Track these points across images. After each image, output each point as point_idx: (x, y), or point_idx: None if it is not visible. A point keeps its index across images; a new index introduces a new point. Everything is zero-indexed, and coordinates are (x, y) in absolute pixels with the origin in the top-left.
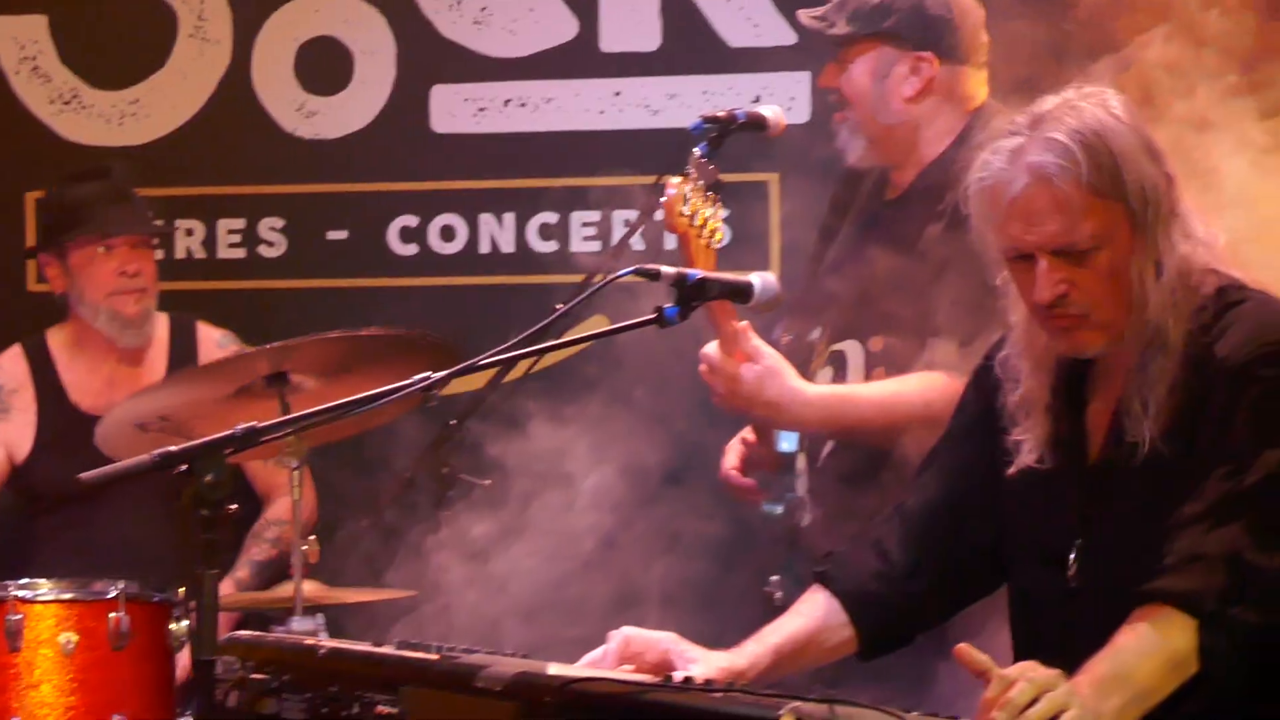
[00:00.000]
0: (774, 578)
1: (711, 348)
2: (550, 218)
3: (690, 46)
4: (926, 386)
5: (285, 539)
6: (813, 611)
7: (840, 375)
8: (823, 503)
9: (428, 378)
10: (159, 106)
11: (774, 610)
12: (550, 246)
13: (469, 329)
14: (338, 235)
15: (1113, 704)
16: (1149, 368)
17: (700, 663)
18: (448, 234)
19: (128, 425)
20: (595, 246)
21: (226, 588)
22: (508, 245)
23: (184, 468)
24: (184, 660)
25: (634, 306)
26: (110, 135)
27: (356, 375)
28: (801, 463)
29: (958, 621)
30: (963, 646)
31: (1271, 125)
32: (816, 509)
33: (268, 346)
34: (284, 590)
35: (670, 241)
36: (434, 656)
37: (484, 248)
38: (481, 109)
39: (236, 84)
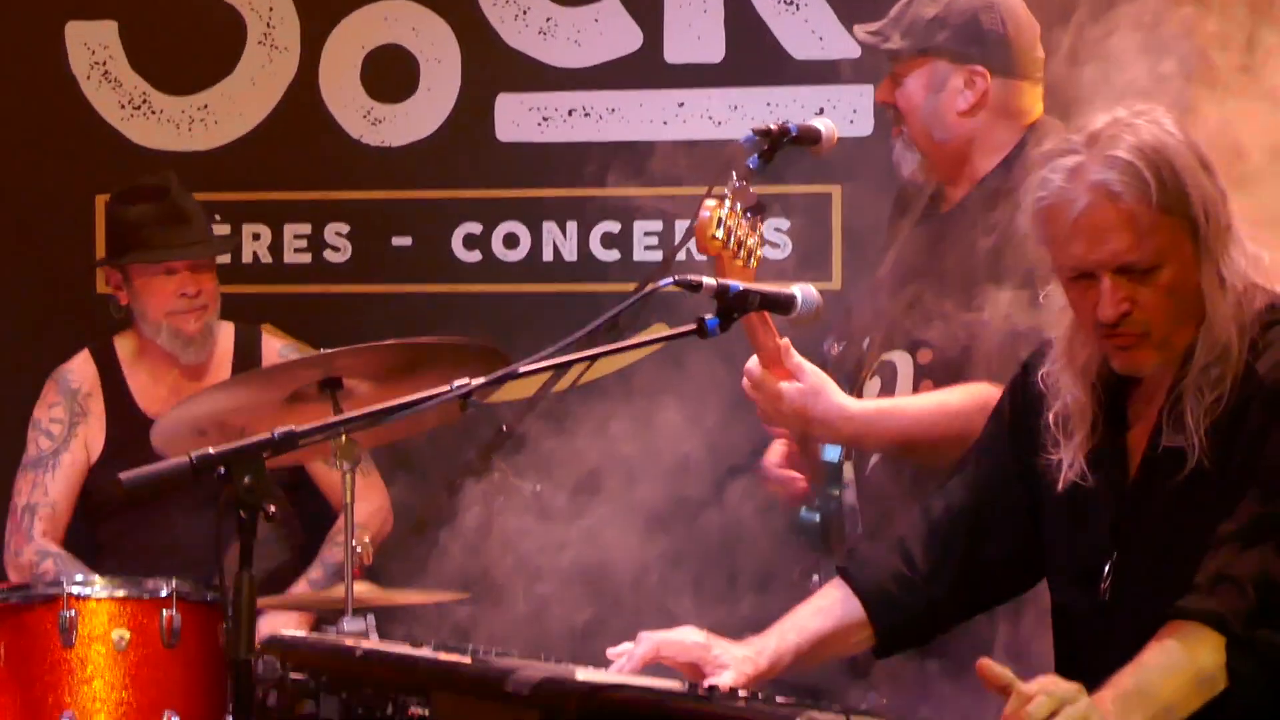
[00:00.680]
0: (814, 578)
1: (754, 363)
2: (613, 227)
3: (754, 58)
4: (971, 398)
5: (359, 542)
6: (832, 609)
7: (889, 386)
8: (872, 512)
9: (466, 384)
10: (227, 112)
11: None
12: (612, 255)
13: (531, 336)
14: (402, 241)
15: (1135, 719)
16: (1210, 373)
17: (730, 667)
18: (511, 241)
19: (184, 429)
20: (657, 256)
21: (301, 588)
22: (570, 254)
23: (222, 470)
24: None
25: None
26: (179, 141)
27: (410, 380)
28: (849, 472)
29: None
30: (984, 661)
31: None
32: (865, 518)
33: (320, 353)
34: (338, 591)
35: None
36: (466, 660)
37: (547, 255)
38: (546, 118)
39: (304, 91)
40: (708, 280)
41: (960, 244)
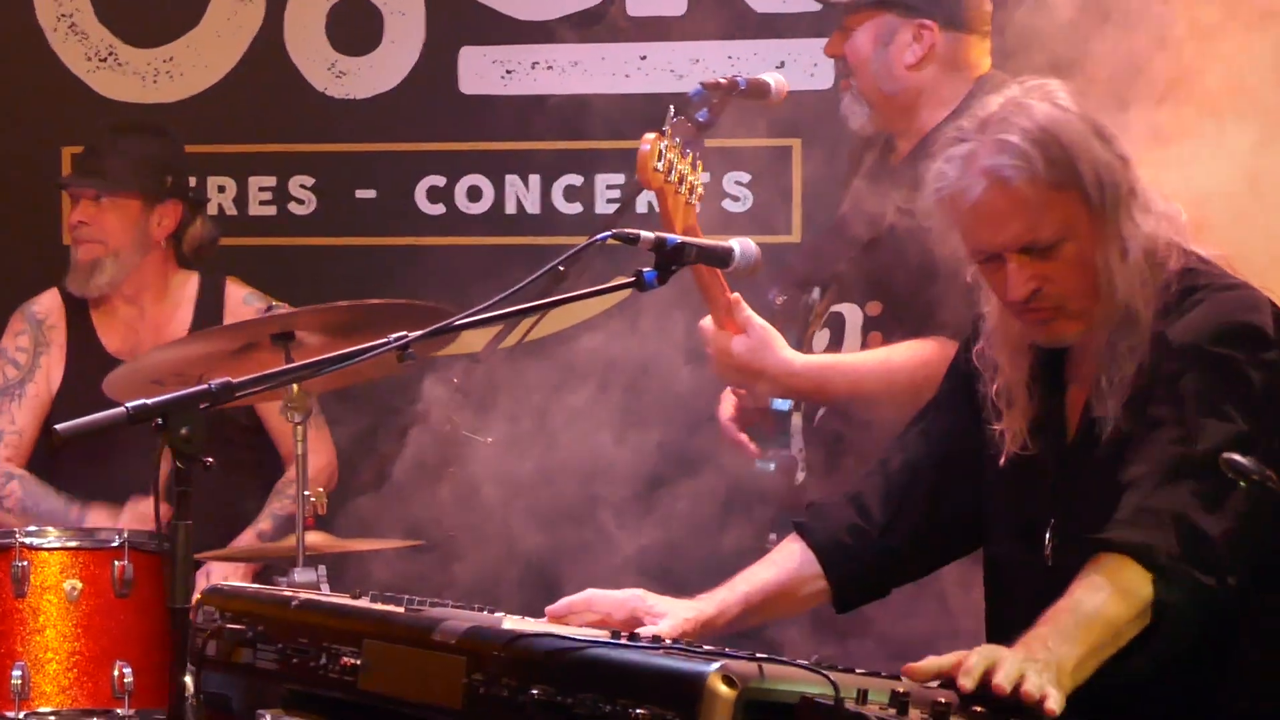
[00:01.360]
0: (772, 535)
1: (707, 320)
2: (575, 180)
3: (716, 12)
4: (914, 354)
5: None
6: (786, 562)
7: (837, 338)
8: (816, 462)
9: (405, 336)
10: (193, 65)
11: None
12: (575, 208)
13: (493, 289)
14: (366, 194)
15: (1075, 654)
16: (1119, 346)
17: (668, 616)
18: (474, 194)
19: (140, 380)
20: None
21: (249, 539)
22: (533, 206)
23: (159, 421)
24: None
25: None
26: (145, 93)
27: (361, 335)
28: (797, 421)
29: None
30: (908, 667)
31: None
32: (811, 467)
33: (271, 314)
34: (289, 541)
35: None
36: (399, 610)
37: (510, 208)
38: (509, 71)
39: (269, 44)
40: (645, 233)
41: (907, 197)
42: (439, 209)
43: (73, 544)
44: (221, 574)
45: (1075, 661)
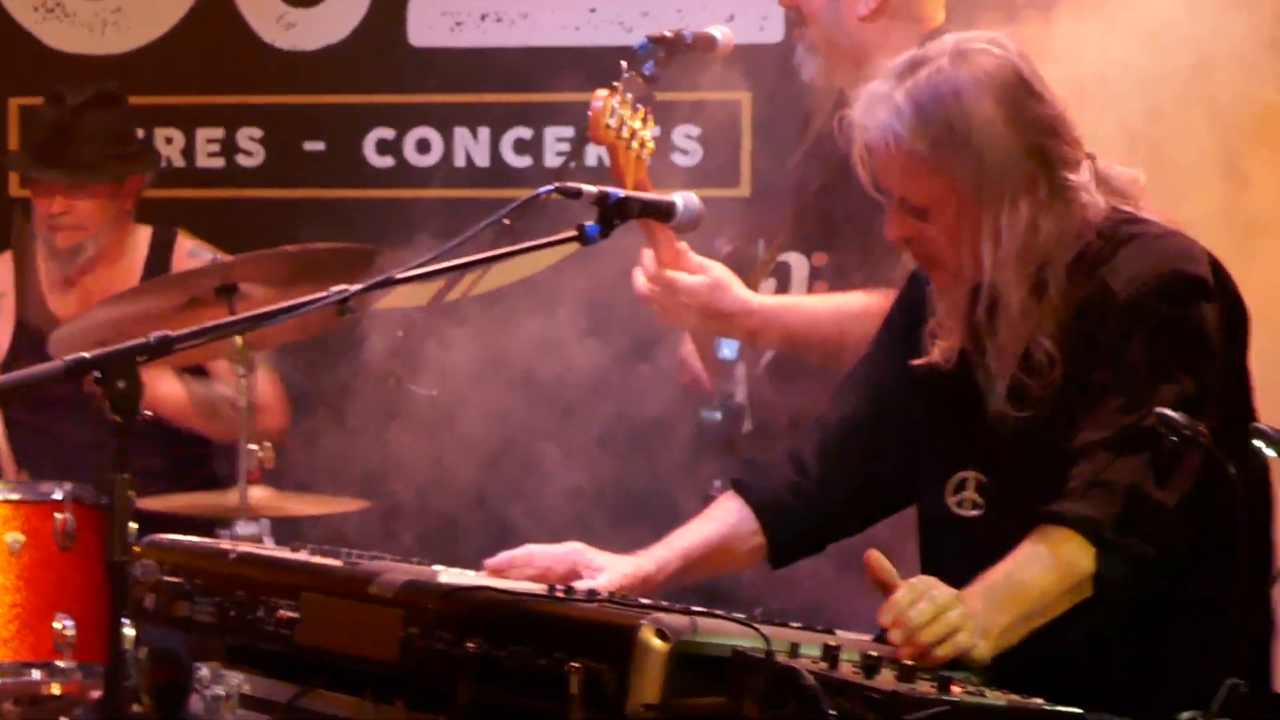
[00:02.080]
0: (716, 483)
1: (649, 259)
2: (524, 133)
3: None
4: (869, 303)
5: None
6: (725, 518)
7: (783, 287)
8: (761, 411)
9: (344, 289)
10: (140, 16)
11: None
12: (524, 161)
13: (443, 241)
14: (315, 146)
15: (1002, 620)
16: (998, 326)
17: (607, 571)
18: (423, 147)
19: (84, 339)
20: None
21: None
22: (482, 159)
23: (96, 375)
24: None
25: None
26: (92, 44)
27: (305, 285)
28: (741, 371)
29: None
30: (873, 553)
31: None
32: (755, 417)
33: (214, 262)
34: (233, 495)
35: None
36: (338, 564)
37: (459, 161)
38: (458, 23)
39: None
40: (587, 188)
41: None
42: (388, 161)
43: (14, 497)
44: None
45: (1001, 627)
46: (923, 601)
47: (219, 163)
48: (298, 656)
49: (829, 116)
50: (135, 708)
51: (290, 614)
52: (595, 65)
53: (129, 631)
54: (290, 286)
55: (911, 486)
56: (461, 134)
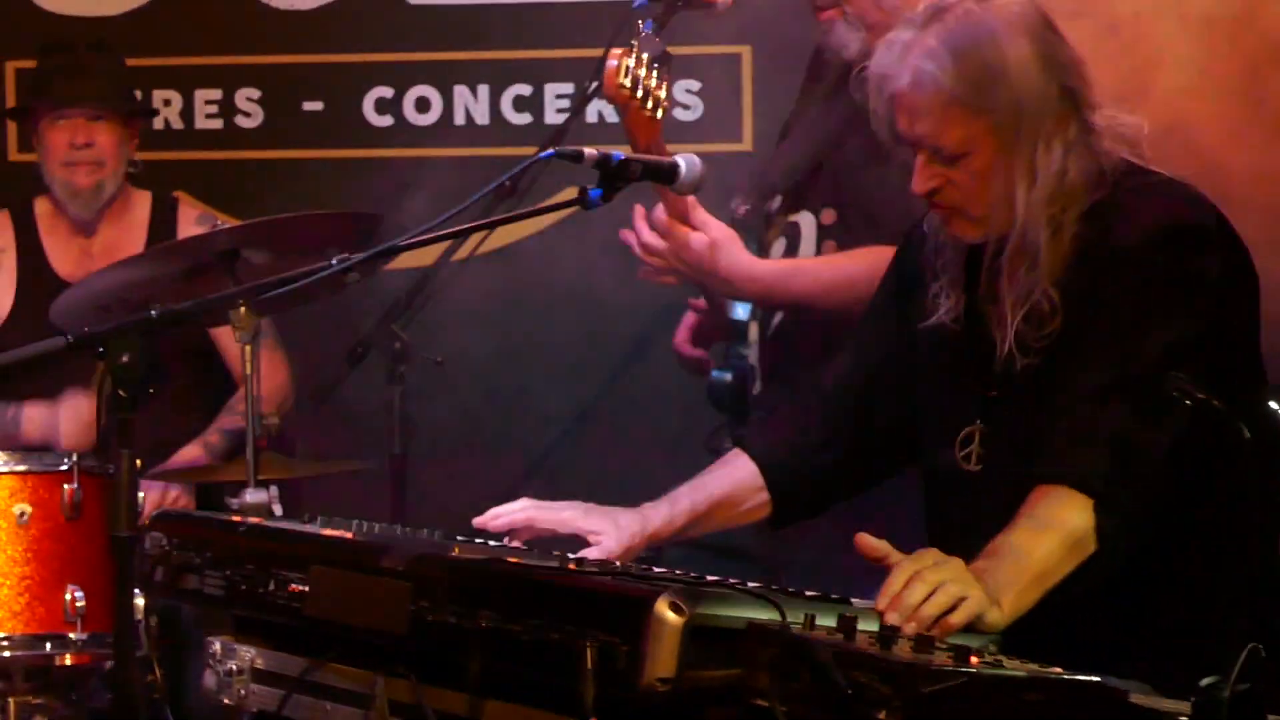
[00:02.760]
0: (727, 442)
1: (660, 212)
2: (524, 90)
3: None
4: (872, 261)
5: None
6: (730, 474)
7: (793, 246)
8: (772, 371)
9: (346, 258)
10: None
11: None
12: (524, 118)
13: (443, 200)
14: (313, 106)
15: (1013, 587)
16: (1018, 272)
17: (613, 530)
18: (422, 105)
19: (85, 305)
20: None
21: (195, 451)
22: (482, 117)
23: (100, 349)
24: None
25: None
26: (88, 5)
27: (306, 249)
28: (754, 332)
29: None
30: (862, 535)
31: None
32: (766, 377)
33: (215, 228)
34: (240, 463)
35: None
36: (348, 535)
37: (459, 119)
38: None
39: None
40: (588, 150)
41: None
42: (387, 120)
43: (21, 468)
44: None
45: (1014, 593)
46: (916, 581)
47: (217, 124)
48: (308, 629)
49: (841, 75)
50: (148, 677)
51: (299, 587)
52: (594, 20)
53: (139, 601)
54: (293, 254)
55: (912, 446)
56: (461, 92)
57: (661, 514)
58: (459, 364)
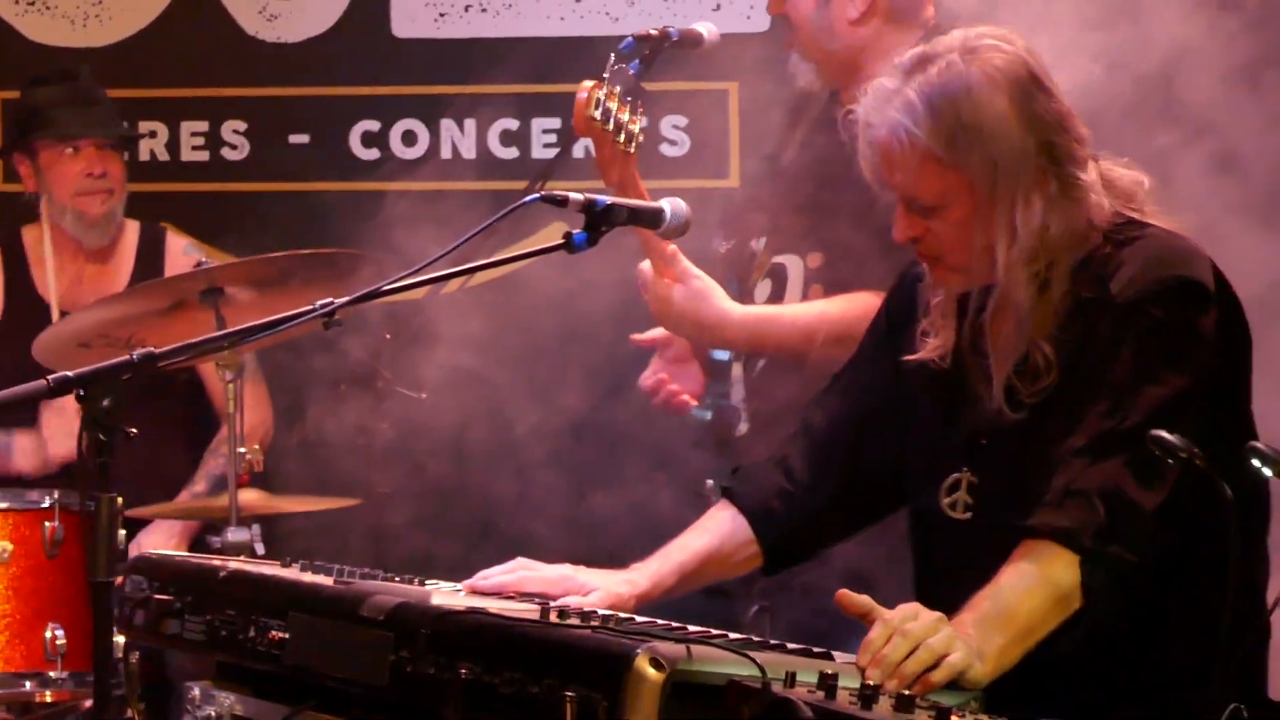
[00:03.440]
0: (709, 483)
1: (646, 265)
2: (511, 124)
3: None
4: (853, 306)
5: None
6: (718, 528)
7: (779, 288)
8: (756, 412)
9: (330, 303)
10: (123, 8)
11: None
12: (511, 153)
13: (429, 234)
14: (300, 139)
15: (996, 643)
16: (1004, 328)
17: (600, 591)
18: (409, 139)
19: (67, 343)
20: (555, 153)
21: (183, 501)
22: (469, 151)
23: (80, 392)
24: None
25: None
26: (75, 36)
27: (292, 286)
28: (737, 371)
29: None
30: (843, 592)
31: None
32: (750, 418)
33: (200, 269)
34: (223, 500)
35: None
36: (328, 581)
37: (445, 153)
38: (442, 14)
39: None
40: (574, 195)
41: (852, 151)
42: (373, 154)
43: (2, 505)
44: (165, 530)
45: (997, 650)
46: (897, 637)
47: (204, 156)
48: (288, 677)
49: (822, 112)
50: (128, 713)
51: (280, 634)
52: (582, 55)
53: (119, 639)
54: (276, 290)
55: (901, 489)
56: (448, 125)
57: (651, 575)
58: (442, 398)
